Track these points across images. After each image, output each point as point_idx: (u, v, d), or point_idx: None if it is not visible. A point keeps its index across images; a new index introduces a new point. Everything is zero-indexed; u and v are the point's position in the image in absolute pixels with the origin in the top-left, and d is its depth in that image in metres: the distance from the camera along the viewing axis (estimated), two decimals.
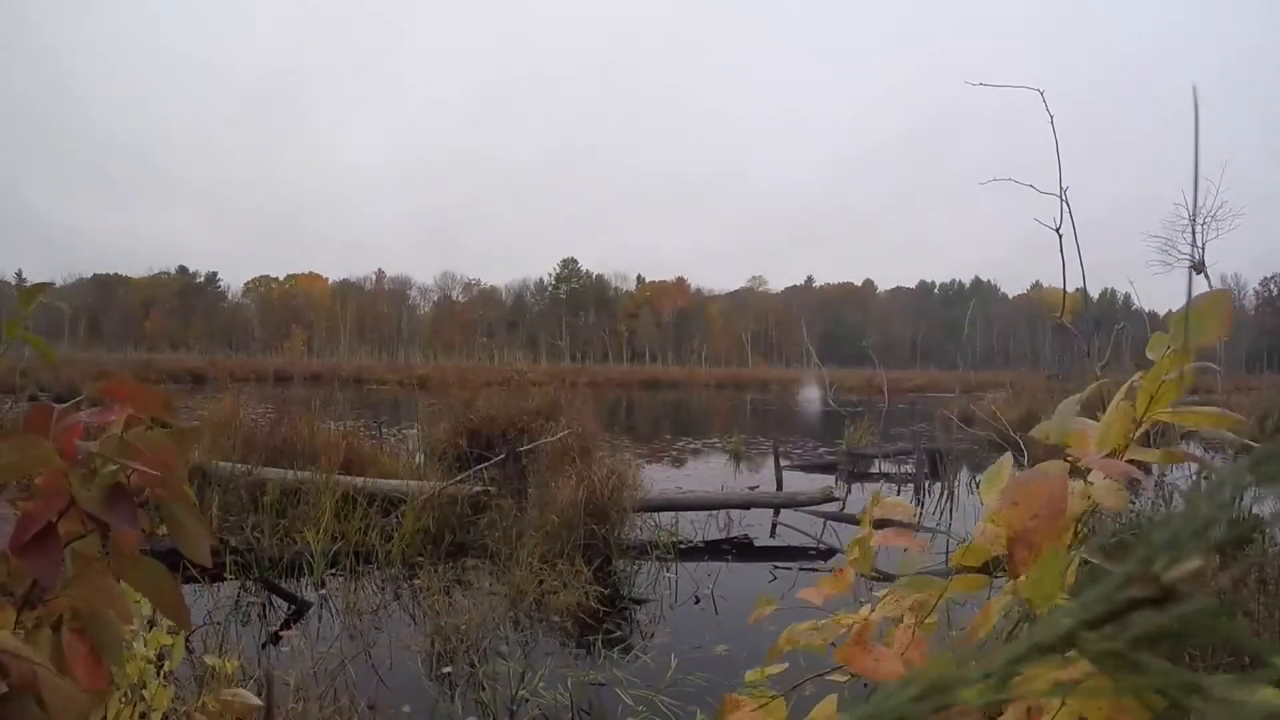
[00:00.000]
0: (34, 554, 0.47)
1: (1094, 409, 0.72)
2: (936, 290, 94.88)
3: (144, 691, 1.34)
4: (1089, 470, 0.64)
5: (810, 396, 23.66)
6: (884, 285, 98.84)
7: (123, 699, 1.29)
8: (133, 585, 0.55)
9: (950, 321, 77.34)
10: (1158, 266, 9.54)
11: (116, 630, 0.51)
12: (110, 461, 0.50)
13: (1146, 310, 4.04)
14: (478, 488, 5.52)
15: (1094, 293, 3.57)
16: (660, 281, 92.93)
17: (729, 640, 3.54)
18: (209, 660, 1.83)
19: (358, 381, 30.01)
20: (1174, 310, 0.64)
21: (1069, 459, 0.63)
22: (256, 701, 0.89)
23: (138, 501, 0.51)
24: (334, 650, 3.17)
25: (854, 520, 0.91)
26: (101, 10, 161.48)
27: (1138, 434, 0.65)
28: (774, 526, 6.12)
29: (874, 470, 9.46)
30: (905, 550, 0.80)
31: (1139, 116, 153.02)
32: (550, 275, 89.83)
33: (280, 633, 3.54)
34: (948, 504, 7.38)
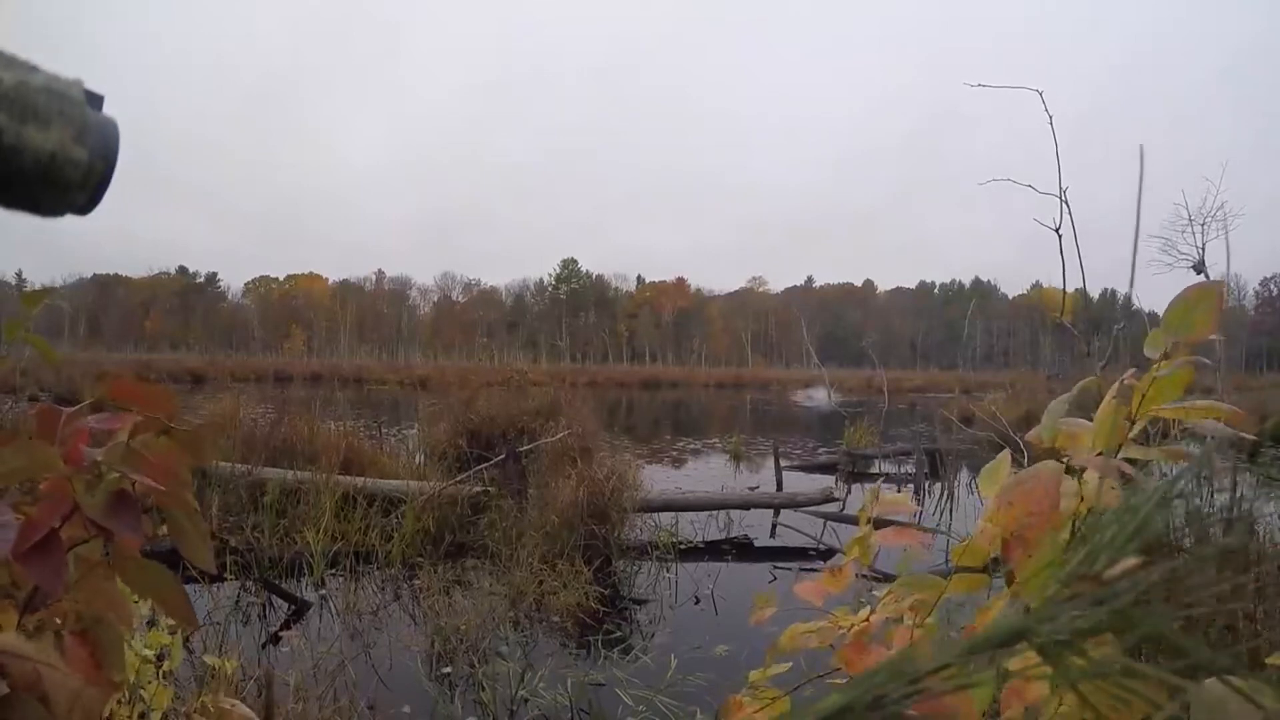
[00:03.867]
0: (36, 561, 0.47)
1: (1092, 408, 0.71)
2: (936, 290, 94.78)
3: (143, 691, 1.34)
4: (1084, 470, 0.64)
5: (814, 396, 23.63)
6: (884, 285, 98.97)
7: (120, 699, 1.29)
8: (137, 589, 0.55)
9: (950, 321, 77.32)
10: (1158, 266, 9.50)
11: (118, 636, 0.51)
12: (115, 469, 0.50)
13: (1146, 311, 4.04)
14: (478, 488, 5.52)
15: (1094, 293, 3.57)
16: (660, 282, 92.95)
17: (729, 640, 3.54)
18: (209, 660, 1.83)
19: (358, 381, 29.93)
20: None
21: (1063, 458, 0.63)
22: (253, 717, 0.90)
23: (141, 507, 0.52)
24: (334, 650, 3.17)
25: (854, 520, 0.90)
26: (101, 10, 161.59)
27: (1133, 432, 0.65)
28: (774, 527, 6.12)
29: (874, 470, 9.46)
30: (905, 549, 0.80)
31: (1138, 116, 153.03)
32: (550, 275, 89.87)
33: (280, 633, 3.54)
34: (948, 504, 7.37)
